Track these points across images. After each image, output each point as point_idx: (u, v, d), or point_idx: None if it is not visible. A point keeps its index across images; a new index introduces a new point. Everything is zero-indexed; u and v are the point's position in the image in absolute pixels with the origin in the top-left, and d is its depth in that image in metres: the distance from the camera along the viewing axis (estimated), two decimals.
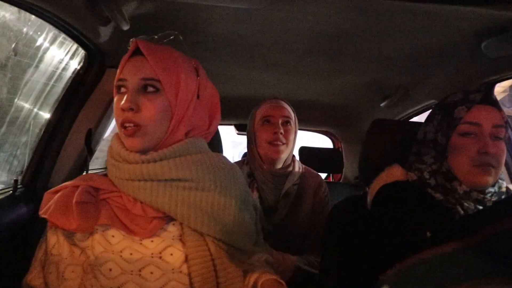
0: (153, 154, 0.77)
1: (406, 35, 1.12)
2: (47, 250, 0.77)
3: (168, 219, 0.79)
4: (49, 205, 0.77)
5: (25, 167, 1.31)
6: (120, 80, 0.79)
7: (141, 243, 0.75)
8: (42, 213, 0.77)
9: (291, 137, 1.38)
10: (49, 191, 0.81)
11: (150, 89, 0.77)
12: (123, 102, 0.75)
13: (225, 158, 0.91)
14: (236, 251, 0.81)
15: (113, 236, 0.75)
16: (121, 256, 0.73)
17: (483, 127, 0.84)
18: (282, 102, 1.40)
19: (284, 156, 1.36)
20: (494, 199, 0.85)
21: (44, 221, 0.79)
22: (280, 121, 1.36)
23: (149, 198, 0.76)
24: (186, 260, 0.75)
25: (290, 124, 1.38)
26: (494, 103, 0.87)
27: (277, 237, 1.30)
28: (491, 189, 0.85)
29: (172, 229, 0.78)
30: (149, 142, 0.78)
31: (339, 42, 1.22)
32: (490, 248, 0.74)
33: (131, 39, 0.83)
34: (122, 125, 0.77)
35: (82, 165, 1.37)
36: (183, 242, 0.77)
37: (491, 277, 0.71)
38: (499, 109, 0.87)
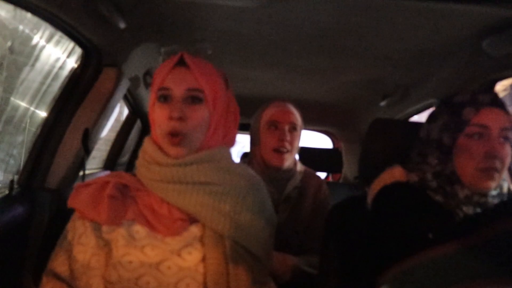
0: (184, 159, 0.82)
1: (406, 33, 1.12)
2: (73, 239, 0.81)
3: (191, 220, 0.82)
4: (80, 197, 0.82)
5: (21, 166, 1.30)
6: (164, 89, 0.83)
7: (163, 240, 0.79)
8: (72, 204, 0.82)
9: (296, 144, 1.36)
10: (80, 183, 0.86)
11: (195, 99, 0.82)
12: (171, 111, 0.80)
13: (248, 168, 0.96)
14: (251, 258, 0.84)
15: (137, 231, 0.79)
16: (142, 251, 0.77)
17: (491, 130, 0.84)
18: (290, 106, 1.37)
19: (288, 163, 1.35)
20: (495, 201, 0.84)
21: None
22: (287, 128, 1.33)
23: (176, 199, 0.81)
24: (203, 259, 0.79)
25: (297, 130, 1.35)
26: (502, 106, 0.87)
27: (277, 239, 1.29)
28: (493, 192, 0.84)
29: (194, 230, 0.81)
30: (191, 149, 0.83)
31: (339, 41, 1.21)
32: (490, 248, 0.74)
33: (161, 51, 0.87)
34: (169, 134, 0.81)
35: (79, 165, 1.36)
36: (202, 243, 0.80)
37: (491, 277, 0.70)
38: (507, 112, 0.87)
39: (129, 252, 0.76)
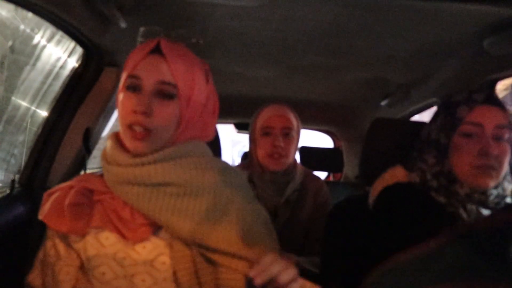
0: (142, 158, 0.74)
1: (407, 33, 1.11)
2: (45, 251, 0.78)
3: (157, 225, 0.76)
4: (45, 206, 0.77)
5: (22, 166, 1.31)
6: (133, 77, 0.74)
7: (133, 248, 0.73)
8: (40, 214, 0.77)
9: (292, 148, 1.34)
10: (47, 192, 0.81)
11: (166, 94, 0.74)
12: (137, 104, 0.71)
13: (224, 162, 0.87)
14: (228, 258, 0.75)
15: (107, 238, 0.74)
16: (114, 259, 0.72)
17: (485, 128, 0.83)
18: (285, 110, 1.35)
19: (284, 166, 1.34)
20: (496, 201, 0.84)
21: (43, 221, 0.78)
22: (280, 133, 1.32)
23: (136, 202, 0.73)
24: (174, 272, 0.72)
25: (292, 135, 1.33)
26: (497, 103, 0.86)
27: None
28: (494, 191, 0.84)
29: (164, 236, 0.75)
30: (155, 146, 0.75)
31: (341, 40, 1.21)
32: (479, 245, 0.72)
33: (140, 30, 0.79)
34: (130, 126, 0.73)
35: (80, 164, 1.36)
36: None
37: (482, 276, 0.70)
38: (503, 109, 0.85)
39: (101, 263, 0.72)
